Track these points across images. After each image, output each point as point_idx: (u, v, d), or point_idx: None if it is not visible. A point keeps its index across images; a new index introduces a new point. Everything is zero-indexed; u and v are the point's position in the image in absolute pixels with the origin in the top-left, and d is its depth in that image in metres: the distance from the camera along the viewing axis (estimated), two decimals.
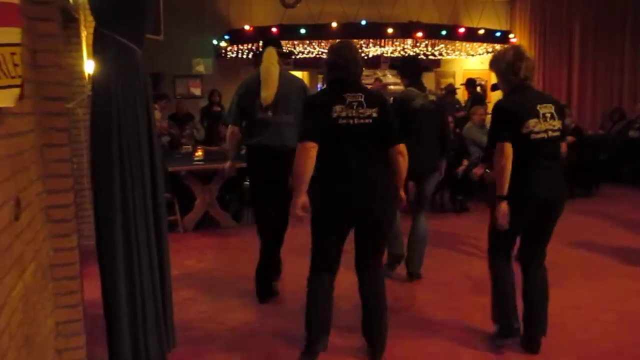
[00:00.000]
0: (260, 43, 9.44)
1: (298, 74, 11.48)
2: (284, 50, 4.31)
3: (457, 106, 9.62)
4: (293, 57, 4.29)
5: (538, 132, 2.98)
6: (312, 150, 2.91)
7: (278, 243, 4.17)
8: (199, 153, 6.56)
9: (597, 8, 10.77)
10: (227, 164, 4.40)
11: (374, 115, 2.98)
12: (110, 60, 2.45)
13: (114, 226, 2.51)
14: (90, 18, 2.63)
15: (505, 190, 2.99)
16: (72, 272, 2.52)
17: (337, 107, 2.93)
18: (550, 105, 3.05)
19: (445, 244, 5.46)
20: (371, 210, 3.02)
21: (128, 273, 2.57)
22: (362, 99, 2.98)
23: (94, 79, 2.50)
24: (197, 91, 10.96)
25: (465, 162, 6.84)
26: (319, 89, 8.21)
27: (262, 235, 4.13)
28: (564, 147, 3.19)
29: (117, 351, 2.60)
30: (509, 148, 2.98)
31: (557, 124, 3.03)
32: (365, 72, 11.45)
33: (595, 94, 11.01)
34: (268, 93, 3.92)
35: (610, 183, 8.43)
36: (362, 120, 2.96)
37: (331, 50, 3.15)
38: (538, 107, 3.00)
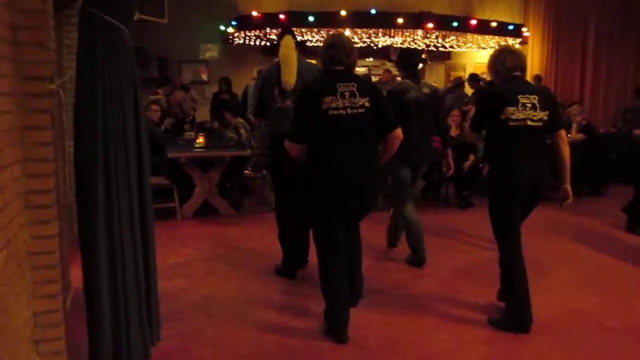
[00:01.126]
0: (268, 30, 9.40)
1: None
2: (299, 40, 4.35)
3: (466, 100, 9.43)
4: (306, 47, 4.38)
5: (516, 120, 3.14)
6: (299, 150, 3.12)
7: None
8: (200, 140, 6.45)
9: (613, 3, 10.51)
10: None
11: (367, 104, 3.04)
12: (95, 40, 2.34)
13: (97, 214, 2.41)
14: None
15: None
16: (51, 260, 2.41)
17: (327, 98, 2.98)
18: (534, 96, 3.19)
19: (449, 236, 5.34)
20: (364, 200, 3.17)
21: (110, 264, 2.48)
22: (355, 89, 3.02)
23: (78, 58, 2.39)
24: (204, 77, 10.87)
25: (472, 157, 6.69)
26: None
27: (282, 223, 4.22)
28: (561, 138, 3.34)
29: (98, 343, 2.52)
30: (474, 136, 3.53)
31: (538, 114, 3.17)
32: (374, 62, 11.41)
33: (608, 91, 10.78)
34: (290, 78, 3.96)
35: (621, 183, 8.23)
36: (355, 110, 3.00)
37: (328, 38, 3.28)
38: (519, 97, 3.16)
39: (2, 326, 1.96)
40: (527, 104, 3.16)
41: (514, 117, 3.14)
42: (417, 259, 4.52)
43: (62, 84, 2.70)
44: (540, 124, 3.18)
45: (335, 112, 2.96)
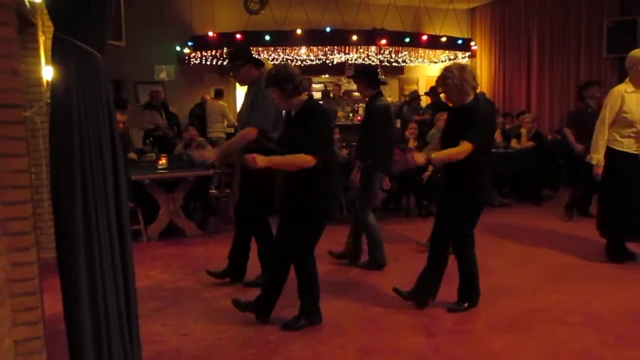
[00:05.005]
0: (224, 49, 9.47)
1: None
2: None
3: (421, 112, 9.78)
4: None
5: None
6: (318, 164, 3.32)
7: None
8: (163, 161, 6.43)
9: (552, 14, 10.97)
10: None
11: None
12: (70, 67, 2.36)
13: (76, 238, 2.41)
14: (49, 23, 2.56)
15: None
16: (31, 287, 2.40)
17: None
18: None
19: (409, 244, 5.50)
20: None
21: (91, 286, 2.47)
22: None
23: (53, 86, 2.41)
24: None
25: (431, 168, 6.90)
26: None
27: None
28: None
29: None
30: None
31: None
32: (330, 78, 11.62)
33: (553, 99, 11.21)
34: None
35: (569, 187, 8.63)
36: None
37: (289, 67, 3.53)
38: None
39: None
40: None
41: None
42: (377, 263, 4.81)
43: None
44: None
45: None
